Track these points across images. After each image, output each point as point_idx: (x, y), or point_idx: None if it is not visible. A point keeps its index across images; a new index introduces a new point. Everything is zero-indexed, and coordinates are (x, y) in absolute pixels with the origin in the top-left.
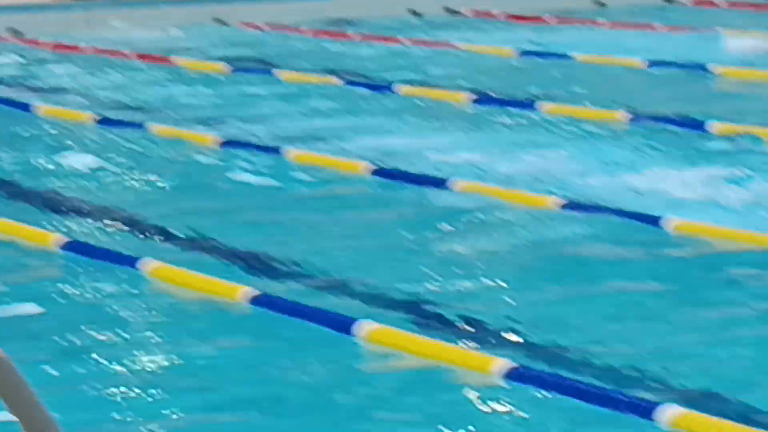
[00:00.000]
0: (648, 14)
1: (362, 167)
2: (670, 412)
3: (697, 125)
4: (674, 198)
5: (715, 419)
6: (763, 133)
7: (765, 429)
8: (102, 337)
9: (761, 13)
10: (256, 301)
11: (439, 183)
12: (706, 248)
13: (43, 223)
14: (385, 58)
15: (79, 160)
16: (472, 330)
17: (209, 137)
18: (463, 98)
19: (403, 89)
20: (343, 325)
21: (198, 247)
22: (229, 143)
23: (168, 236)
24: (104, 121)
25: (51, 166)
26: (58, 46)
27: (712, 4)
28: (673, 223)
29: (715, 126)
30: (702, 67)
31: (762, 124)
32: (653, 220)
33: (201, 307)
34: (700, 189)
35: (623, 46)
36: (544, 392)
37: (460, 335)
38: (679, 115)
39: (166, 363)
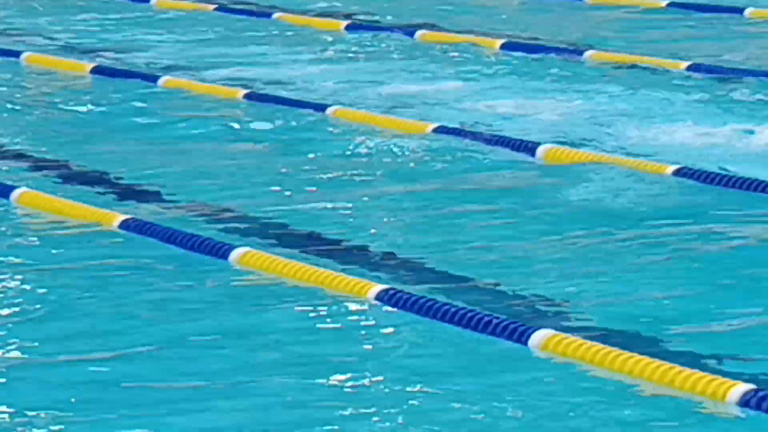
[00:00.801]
0: None
1: (237, 93)
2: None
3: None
4: None
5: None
6: None
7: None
8: None
9: None
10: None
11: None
12: None
13: None
14: None
15: None
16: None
17: (83, 65)
18: (337, 25)
19: (279, 16)
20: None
21: (64, 174)
22: (99, 71)
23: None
24: None
25: None
26: None
27: None
28: None
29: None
30: None
31: None
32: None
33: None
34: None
35: None
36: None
37: (338, 259)
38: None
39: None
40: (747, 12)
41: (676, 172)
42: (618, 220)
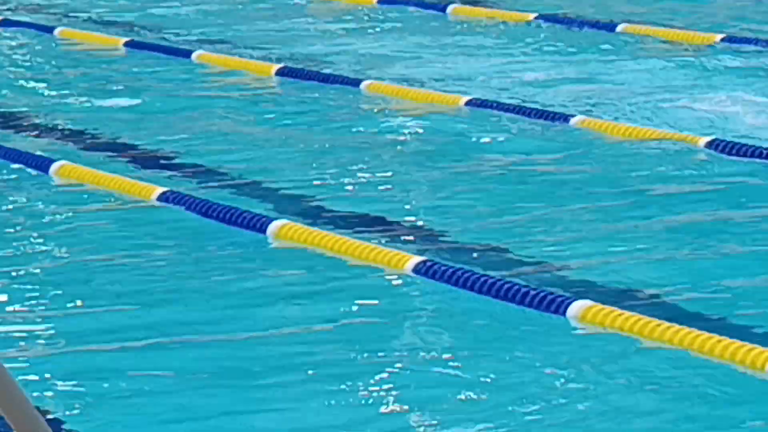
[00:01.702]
0: None
1: (271, 68)
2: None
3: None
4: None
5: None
6: None
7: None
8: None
9: None
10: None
11: (351, 82)
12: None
13: None
14: None
15: None
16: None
17: (119, 40)
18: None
19: None
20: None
21: (105, 146)
22: (133, 44)
23: (76, 137)
24: (7, 24)
25: None
26: None
27: None
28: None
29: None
30: None
31: None
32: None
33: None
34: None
35: None
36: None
37: (371, 232)
38: None
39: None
40: None
41: (709, 144)
42: (650, 193)
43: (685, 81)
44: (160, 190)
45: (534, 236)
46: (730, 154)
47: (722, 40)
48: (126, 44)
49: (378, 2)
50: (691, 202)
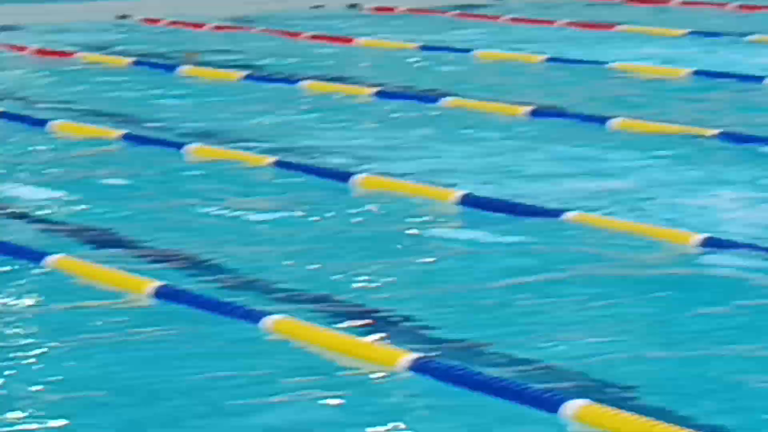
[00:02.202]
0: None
1: (266, 161)
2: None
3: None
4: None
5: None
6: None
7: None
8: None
9: (658, 8)
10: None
11: (343, 177)
12: None
13: None
14: (288, 52)
15: None
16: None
17: (113, 133)
18: (366, 92)
19: (307, 85)
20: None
21: (100, 240)
22: (129, 137)
23: (72, 231)
24: (4, 116)
25: None
26: None
27: None
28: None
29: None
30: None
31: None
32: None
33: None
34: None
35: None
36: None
37: (366, 329)
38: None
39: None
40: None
41: (704, 243)
42: (645, 289)
43: (680, 175)
44: (154, 284)
45: (529, 332)
46: (725, 249)
47: (717, 136)
48: (122, 137)
49: (374, 95)
50: (688, 300)
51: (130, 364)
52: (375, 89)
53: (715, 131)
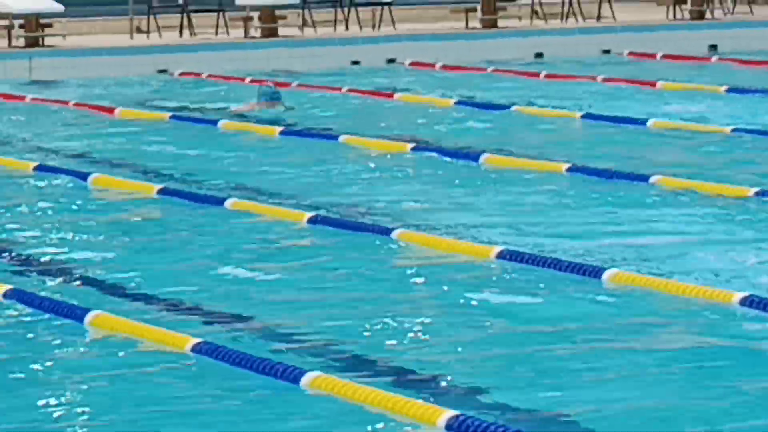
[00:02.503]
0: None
1: (305, 217)
2: None
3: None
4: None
5: None
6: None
7: None
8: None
9: (697, 65)
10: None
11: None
12: None
13: None
14: (326, 105)
15: (17, 209)
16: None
17: (152, 187)
18: (404, 147)
19: (346, 139)
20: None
21: (140, 296)
22: (166, 192)
23: (111, 287)
24: (43, 169)
25: None
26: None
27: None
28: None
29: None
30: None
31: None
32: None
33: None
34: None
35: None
36: None
37: (403, 385)
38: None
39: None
40: None
41: (743, 301)
42: (684, 349)
43: (720, 234)
44: (194, 341)
45: (567, 392)
46: (765, 310)
47: (756, 194)
48: (159, 191)
49: (411, 150)
50: (725, 358)
51: (172, 418)
52: (413, 144)
53: (755, 189)
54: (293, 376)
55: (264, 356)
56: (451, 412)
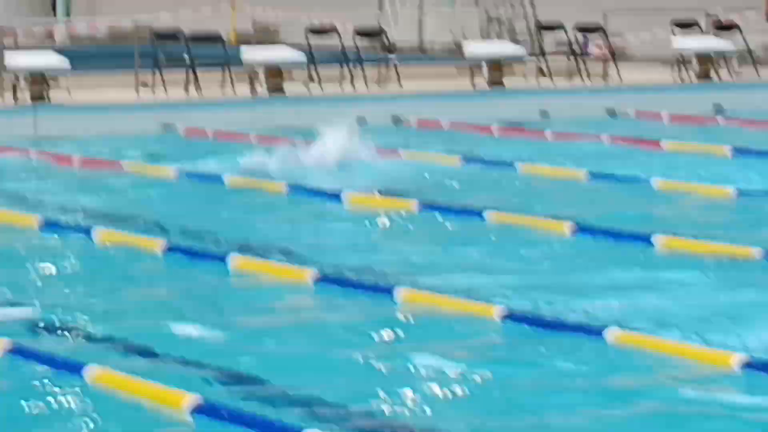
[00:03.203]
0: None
1: (308, 274)
2: None
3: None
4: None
5: None
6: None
7: None
8: None
9: (703, 127)
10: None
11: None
12: None
13: None
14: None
15: (21, 266)
16: None
17: (156, 242)
18: (410, 206)
19: (351, 196)
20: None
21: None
22: (172, 249)
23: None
24: (48, 224)
25: None
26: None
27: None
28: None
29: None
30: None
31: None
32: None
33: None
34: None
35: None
36: None
37: None
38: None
39: None
40: None
41: (746, 364)
42: (685, 413)
43: (724, 296)
44: (193, 398)
45: None
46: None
47: (763, 255)
48: (166, 248)
49: (419, 207)
50: (730, 422)
51: None
52: (418, 202)
53: (760, 250)
54: None
55: (266, 414)
56: None
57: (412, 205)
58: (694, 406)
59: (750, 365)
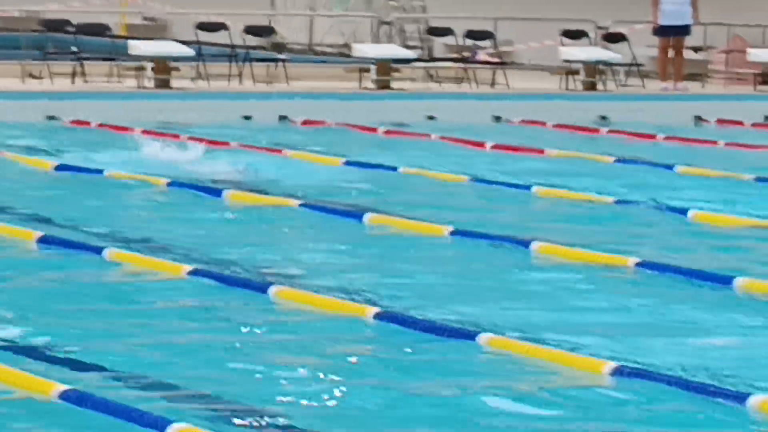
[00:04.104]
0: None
1: (183, 270)
2: None
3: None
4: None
5: None
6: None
7: None
8: None
9: (588, 136)
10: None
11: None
12: None
13: None
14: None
15: None
16: None
17: (30, 234)
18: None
19: (231, 194)
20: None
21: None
22: (46, 240)
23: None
24: None
25: None
26: None
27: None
28: None
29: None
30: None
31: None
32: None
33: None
34: None
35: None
36: None
37: None
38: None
39: None
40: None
41: (613, 372)
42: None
43: (597, 304)
44: (60, 387)
45: None
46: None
47: (636, 264)
48: (39, 239)
49: (300, 206)
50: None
51: None
52: (299, 201)
53: (634, 260)
54: (160, 426)
55: (133, 405)
56: None
57: (293, 203)
58: (565, 410)
59: (620, 372)
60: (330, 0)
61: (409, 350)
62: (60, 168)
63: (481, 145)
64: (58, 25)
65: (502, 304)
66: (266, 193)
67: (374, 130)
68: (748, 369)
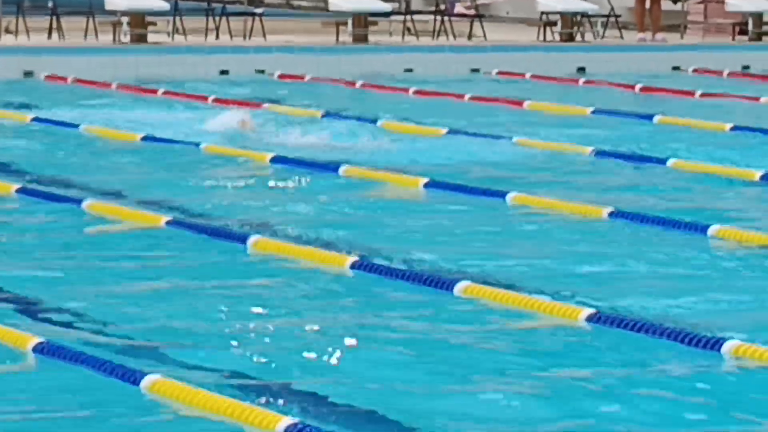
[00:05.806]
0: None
1: (162, 220)
2: None
3: None
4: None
5: None
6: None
7: None
8: None
9: (565, 86)
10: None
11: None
12: None
13: None
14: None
15: None
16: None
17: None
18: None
19: (207, 147)
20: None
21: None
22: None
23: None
24: None
25: None
26: None
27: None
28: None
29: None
30: None
31: None
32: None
33: None
34: None
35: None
36: None
37: (249, 393)
38: None
39: None
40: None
41: (590, 318)
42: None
43: (573, 251)
44: (36, 340)
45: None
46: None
47: (609, 214)
48: (17, 191)
49: (270, 160)
50: (577, 375)
51: None
52: (272, 155)
53: (608, 210)
54: (133, 378)
55: (109, 357)
56: (289, 420)
57: (268, 157)
58: (541, 356)
59: (597, 319)
60: None
61: (384, 298)
62: (36, 121)
63: (459, 97)
64: None
65: (478, 253)
66: (242, 147)
67: (353, 84)
68: (723, 315)
